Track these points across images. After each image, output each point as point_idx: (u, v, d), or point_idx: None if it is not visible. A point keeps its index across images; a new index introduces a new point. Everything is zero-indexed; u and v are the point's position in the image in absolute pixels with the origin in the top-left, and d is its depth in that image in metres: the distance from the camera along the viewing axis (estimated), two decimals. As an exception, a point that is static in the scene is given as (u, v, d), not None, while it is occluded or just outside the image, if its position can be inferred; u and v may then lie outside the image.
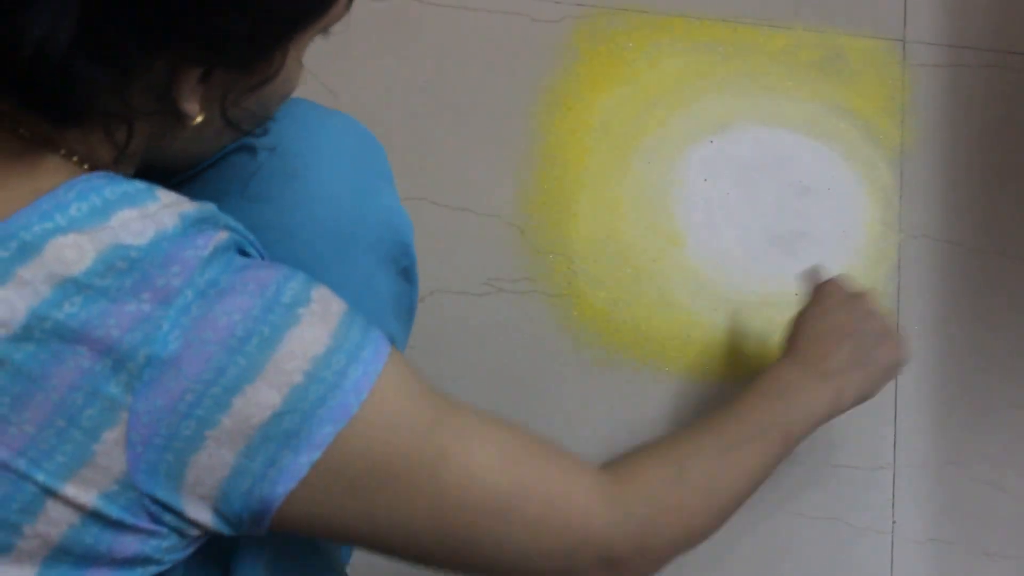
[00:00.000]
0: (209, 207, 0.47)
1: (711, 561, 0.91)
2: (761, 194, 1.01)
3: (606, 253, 0.99)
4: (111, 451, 0.42)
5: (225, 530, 0.46)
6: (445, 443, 0.48)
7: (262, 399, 0.43)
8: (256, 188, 0.56)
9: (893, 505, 0.92)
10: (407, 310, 0.65)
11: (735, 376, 0.96)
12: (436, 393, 0.50)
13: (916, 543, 0.91)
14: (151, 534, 0.44)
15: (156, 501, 0.43)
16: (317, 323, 0.45)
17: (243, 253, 0.49)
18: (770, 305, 0.98)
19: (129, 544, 0.44)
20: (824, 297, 0.78)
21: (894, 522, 0.92)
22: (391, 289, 0.61)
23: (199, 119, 0.48)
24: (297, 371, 0.44)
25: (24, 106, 0.44)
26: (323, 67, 1.06)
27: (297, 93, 0.60)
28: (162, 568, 0.46)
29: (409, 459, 0.47)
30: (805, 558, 0.91)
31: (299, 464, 0.44)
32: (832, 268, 1.00)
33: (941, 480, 0.93)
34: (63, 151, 0.45)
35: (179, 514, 0.44)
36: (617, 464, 0.57)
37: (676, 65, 1.05)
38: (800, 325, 0.76)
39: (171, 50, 0.44)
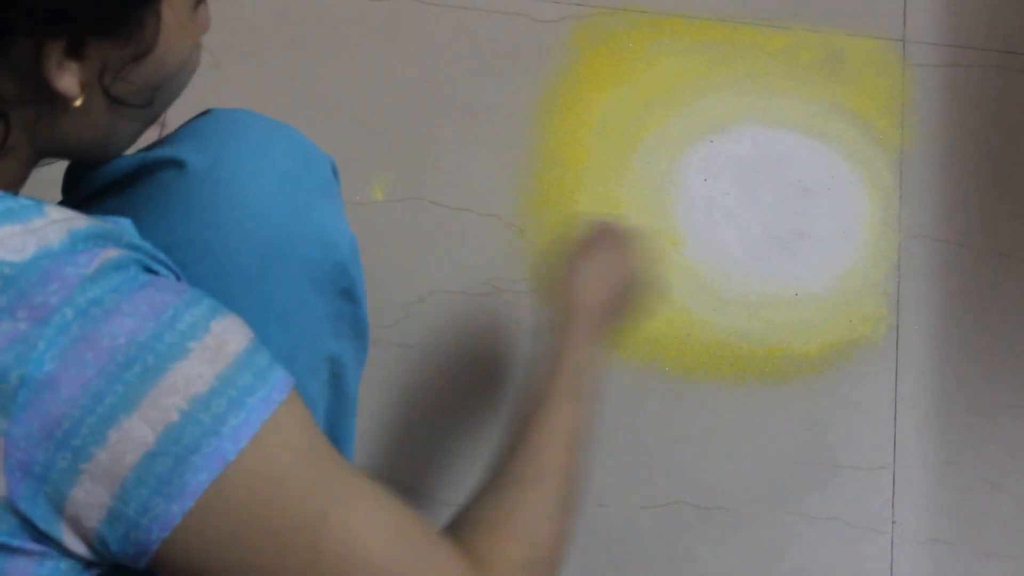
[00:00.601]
0: (108, 224, 0.45)
1: (711, 561, 0.91)
2: (761, 194, 1.01)
3: (606, 253, 0.99)
4: None
5: (102, 563, 0.44)
6: (327, 506, 0.45)
7: (137, 435, 0.41)
8: (181, 204, 0.54)
9: (893, 505, 0.92)
10: (352, 329, 0.62)
11: (735, 376, 0.96)
12: (330, 452, 0.48)
13: (916, 543, 0.91)
14: (43, 555, 0.43)
15: (36, 528, 0.42)
16: (206, 360, 0.43)
17: (150, 271, 0.46)
18: (770, 305, 0.98)
19: (23, 567, 0.42)
20: (593, 245, 0.73)
21: (894, 522, 0.92)
22: (327, 310, 0.59)
23: (79, 100, 0.46)
24: (174, 409, 0.42)
25: None
26: (323, 66, 1.06)
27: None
28: None
29: (287, 516, 0.44)
30: (805, 558, 0.91)
31: (171, 513, 0.42)
32: (832, 268, 1.00)
33: (941, 480, 0.93)
34: None
35: (59, 543, 0.42)
36: (470, 543, 0.54)
37: (676, 65, 1.05)
38: (580, 274, 0.71)
39: (19, 26, 0.42)
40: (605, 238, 0.74)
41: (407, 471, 0.93)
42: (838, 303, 0.98)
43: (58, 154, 0.51)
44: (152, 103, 0.52)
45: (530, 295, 0.98)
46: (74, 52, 0.44)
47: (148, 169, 0.55)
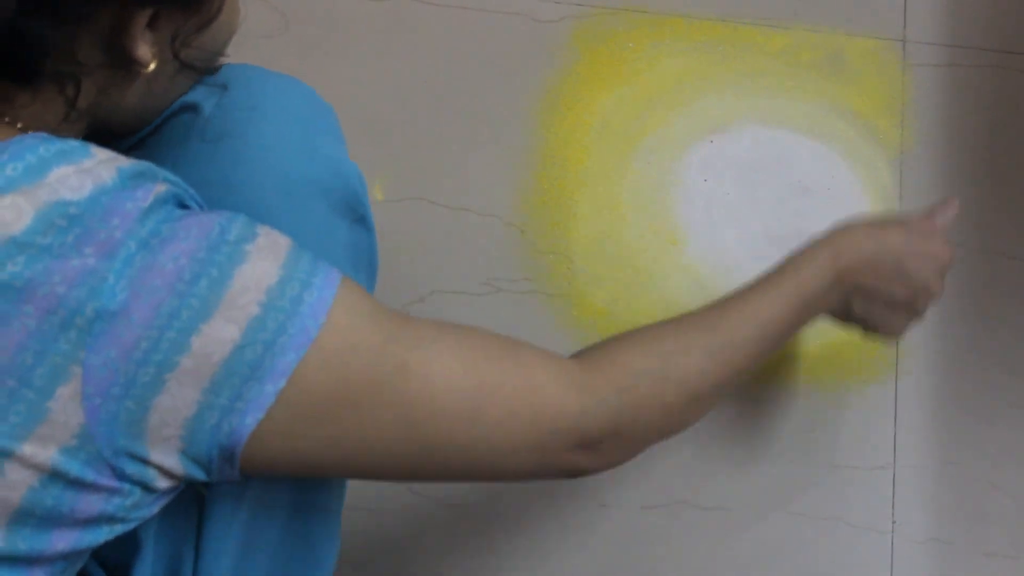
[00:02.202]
0: (146, 163, 0.47)
1: (711, 561, 0.91)
2: (761, 194, 1.01)
3: (606, 253, 0.99)
4: (67, 407, 0.42)
5: (196, 473, 0.46)
6: (404, 356, 0.48)
7: (221, 335, 0.44)
8: (199, 144, 0.56)
9: (893, 505, 0.92)
10: (367, 259, 0.65)
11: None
12: (391, 310, 0.51)
13: (916, 543, 0.91)
14: (113, 491, 0.44)
15: (118, 452, 0.43)
16: (266, 256, 0.46)
17: (183, 206, 0.49)
18: (770, 305, 0.98)
19: (91, 503, 0.44)
20: (927, 248, 0.72)
21: (894, 522, 0.92)
22: (348, 237, 0.61)
23: (152, 66, 0.48)
24: (253, 303, 0.44)
25: None
26: (323, 66, 1.06)
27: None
28: (128, 527, 0.46)
29: (372, 376, 0.47)
30: (805, 558, 0.91)
31: (265, 394, 0.45)
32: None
33: (941, 480, 0.93)
34: (7, 119, 0.46)
35: (144, 461, 0.44)
36: (596, 350, 0.57)
37: (676, 65, 1.05)
38: (886, 238, 0.70)
39: None
40: (919, 222, 0.72)
41: (407, 471, 0.93)
42: (838, 303, 0.98)
43: (113, 124, 0.53)
44: (212, 68, 0.55)
45: (530, 295, 0.98)
46: (151, 23, 0.47)
47: (167, 117, 0.57)
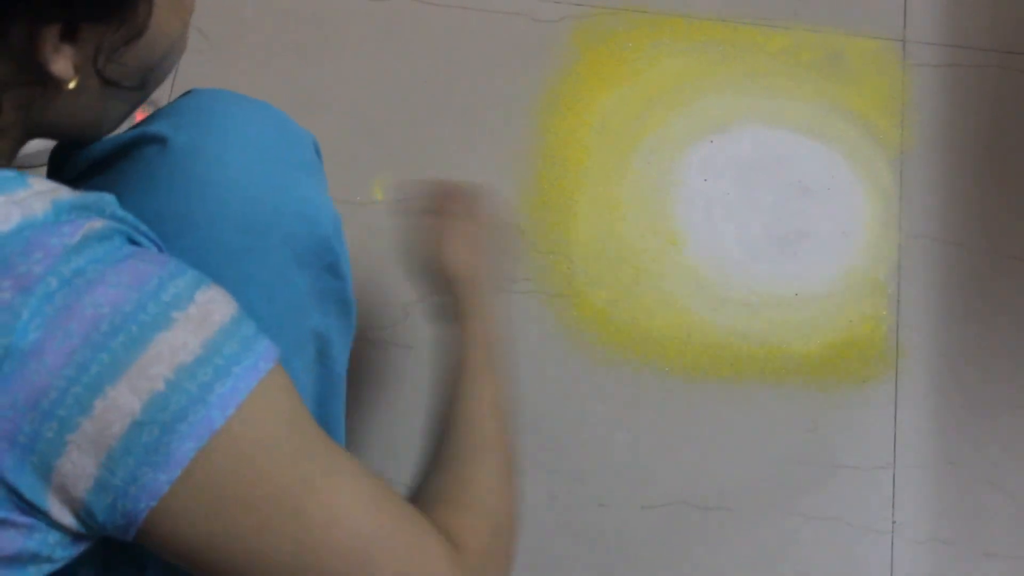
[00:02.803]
0: (93, 196, 0.45)
1: (711, 561, 0.91)
2: (761, 194, 1.01)
3: (606, 253, 0.99)
4: None
5: (89, 534, 0.44)
6: (312, 476, 0.46)
7: (123, 404, 0.41)
8: (164, 179, 0.54)
9: (893, 505, 0.92)
10: (338, 306, 0.62)
11: (735, 376, 0.96)
12: (312, 424, 0.48)
13: (916, 543, 0.91)
14: (31, 528, 0.42)
15: (24, 500, 0.42)
16: (191, 329, 0.43)
17: (133, 243, 0.46)
18: (770, 305, 0.98)
19: (11, 539, 0.42)
20: (453, 216, 0.73)
21: (894, 522, 0.92)
22: (311, 285, 0.59)
23: (73, 83, 0.46)
24: (159, 378, 0.42)
25: None
26: (324, 66, 1.06)
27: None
28: (56, 566, 0.45)
29: (273, 484, 0.44)
30: (805, 558, 0.91)
31: (159, 482, 0.42)
32: (832, 268, 1.00)
33: (941, 480, 0.93)
34: None
35: (46, 514, 0.42)
36: (439, 524, 0.54)
37: (676, 65, 1.05)
38: (452, 249, 0.71)
39: (17, 10, 0.42)
40: (455, 203, 0.73)
41: (407, 471, 0.93)
42: (838, 303, 0.98)
43: (49, 135, 0.51)
44: (144, 84, 0.52)
45: (530, 295, 0.98)
46: (68, 36, 0.45)
47: (131, 146, 0.56)
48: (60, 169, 0.59)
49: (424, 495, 0.57)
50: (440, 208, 0.73)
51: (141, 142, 0.56)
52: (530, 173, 1.01)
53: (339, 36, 1.07)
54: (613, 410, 0.95)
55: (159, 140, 0.55)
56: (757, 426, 0.94)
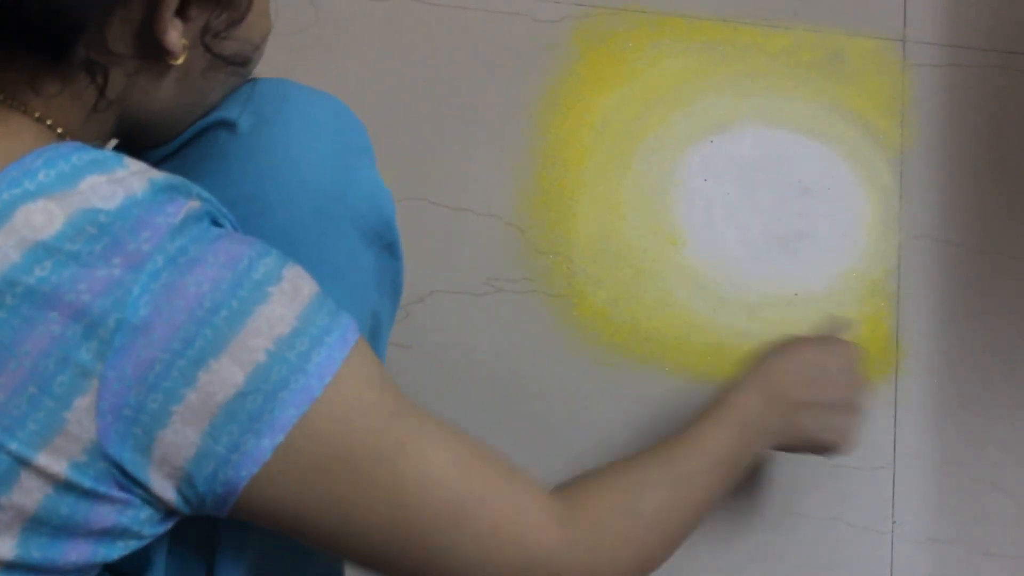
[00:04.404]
0: (179, 178, 0.47)
1: (711, 561, 0.91)
2: (761, 194, 1.01)
3: (606, 253, 0.99)
4: (82, 419, 0.41)
5: (184, 509, 0.46)
6: (405, 437, 0.48)
7: (226, 376, 0.43)
8: (235, 163, 0.56)
9: (893, 505, 0.92)
10: (391, 285, 0.64)
11: (735, 376, 0.96)
12: (398, 390, 0.50)
13: (916, 543, 0.91)
14: (125, 504, 0.44)
15: (124, 472, 0.43)
16: (285, 303, 0.45)
17: (216, 224, 0.48)
18: (770, 305, 0.98)
19: (105, 515, 0.43)
20: (841, 349, 0.74)
21: (894, 522, 0.92)
22: (374, 264, 0.61)
23: (181, 59, 0.48)
24: (260, 350, 0.44)
25: (3, 46, 0.44)
26: (323, 66, 1.06)
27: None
28: (142, 543, 0.46)
29: (369, 448, 0.47)
30: (805, 558, 0.91)
31: (262, 448, 0.44)
32: (832, 268, 1.00)
33: (941, 480, 0.93)
34: (36, 113, 0.46)
35: (145, 487, 0.44)
36: (571, 488, 0.56)
37: (676, 65, 1.05)
38: (799, 350, 0.73)
39: None
40: (830, 343, 0.74)
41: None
42: (838, 303, 0.98)
43: (137, 123, 0.52)
44: (245, 64, 0.55)
45: (530, 295, 0.98)
46: (180, 12, 0.47)
47: (200, 133, 0.57)
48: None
49: (589, 472, 0.58)
50: (812, 338, 0.75)
51: (210, 128, 0.57)
52: (530, 173, 1.01)
53: (339, 36, 1.07)
54: (613, 410, 0.95)
55: (228, 125, 0.56)
56: (757, 426, 0.94)
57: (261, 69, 0.62)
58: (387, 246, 0.61)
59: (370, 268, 0.60)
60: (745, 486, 0.93)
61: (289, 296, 0.45)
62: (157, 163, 0.57)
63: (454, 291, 0.97)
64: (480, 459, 0.51)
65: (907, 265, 0.99)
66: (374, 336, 0.64)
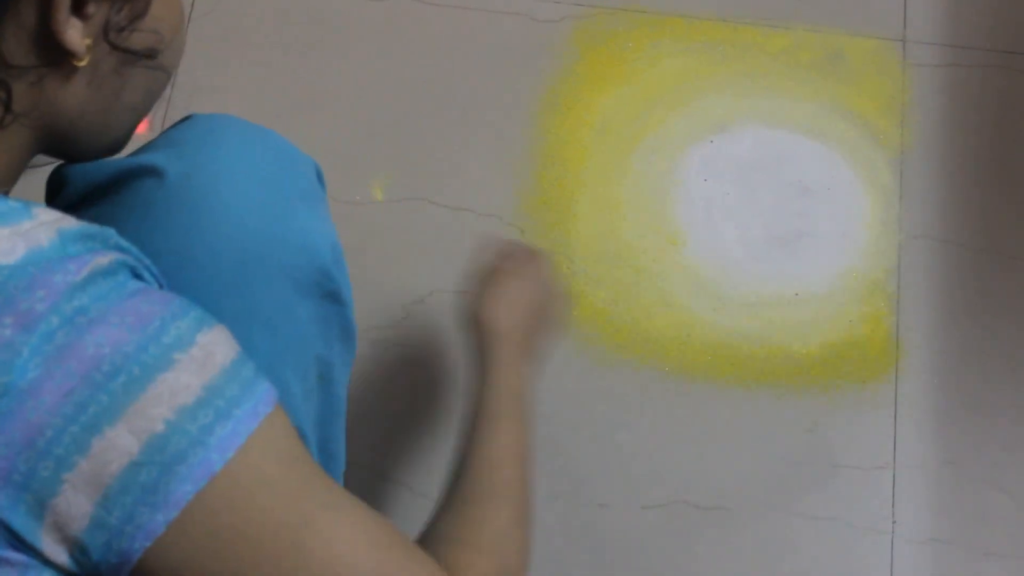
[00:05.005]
0: (97, 227, 0.45)
1: (711, 561, 0.91)
2: (761, 194, 1.01)
3: (606, 253, 0.99)
4: None
5: (84, 573, 0.44)
6: (312, 513, 0.46)
7: (121, 444, 0.41)
8: (161, 213, 0.54)
9: (893, 505, 0.92)
10: (341, 331, 0.63)
11: (735, 376, 0.96)
12: (312, 463, 0.48)
13: (916, 543, 0.91)
14: (25, 566, 0.42)
15: (16, 536, 0.41)
16: (193, 370, 0.43)
17: (137, 277, 0.46)
18: (770, 305, 0.98)
19: None
20: (500, 271, 0.75)
21: (894, 522, 0.92)
22: (314, 313, 0.59)
23: (86, 59, 0.46)
24: (159, 419, 0.41)
25: None
26: (323, 66, 1.06)
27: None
28: None
29: (272, 524, 0.44)
30: (805, 558, 0.91)
31: (156, 522, 0.42)
32: (832, 268, 1.00)
33: (941, 480, 0.93)
34: None
35: (39, 552, 0.42)
36: (444, 558, 0.55)
37: (676, 65, 1.05)
38: (492, 303, 0.72)
39: None
40: (510, 262, 0.75)
41: (407, 471, 0.93)
42: (838, 303, 0.98)
43: (55, 135, 0.50)
44: (156, 56, 0.52)
45: (530, 295, 0.98)
46: (76, 10, 0.45)
47: (127, 176, 0.55)
48: (57, 193, 0.59)
49: (434, 533, 0.57)
50: (496, 265, 0.74)
51: (137, 173, 0.55)
52: (530, 173, 1.01)
53: (339, 36, 1.07)
54: (613, 410, 0.95)
55: (156, 172, 0.55)
56: (757, 426, 0.94)
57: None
58: (328, 294, 0.60)
59: (308, 318, 0.58)
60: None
61: (199, 363, 0.43)
62: (86, 197, 0.56)
63: (454, 291, 0.97)
64: (388, 537, 0.49)
65: (907, 265, 0.99)
66: (324, 380, 0.62)
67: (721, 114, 1.04)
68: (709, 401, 0.95)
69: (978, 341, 0.97)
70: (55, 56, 0.45)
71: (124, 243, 0.46)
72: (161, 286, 0.49)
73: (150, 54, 0.50)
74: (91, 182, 0.56)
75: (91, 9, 0.45)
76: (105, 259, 0.43)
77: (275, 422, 0.46)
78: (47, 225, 0.43)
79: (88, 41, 0.46)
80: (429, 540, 0.55)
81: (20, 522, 0.41)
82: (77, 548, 0.42)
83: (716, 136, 1.03)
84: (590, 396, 0.95)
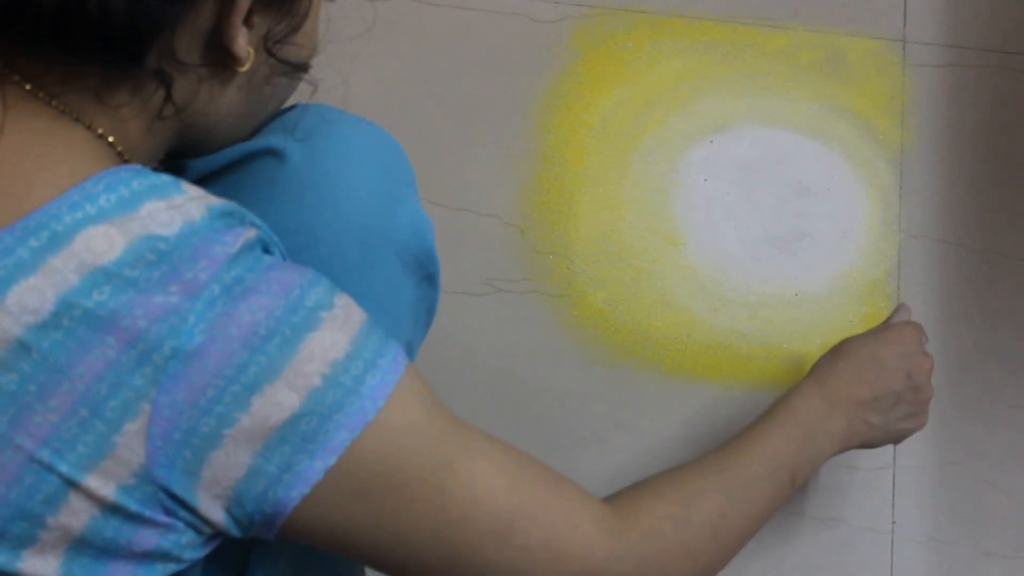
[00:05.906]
0: (234, 204, 0.47)
1: (711, 561, 0.91)
2: (761, 194, 1.01)
3: (606, 253, 0.99)
4: (131, 443, 0.42)
5: (234, 531, 0.46)
6: (452, 456, 0.49)
7: (281, 399, 0.44)
8: (283, 192, 0.56)
9: (893, 505, 0.92)
10: (426, 314, 0.65)
11: (735, 376, 0.96)
12: (446, 409, 0.51)
13: (916, 543, 0.91)
14: (168, 528, 0.44)
15: (172, 496, 0.43)
16: (338, 328, 0.46)
17: (267, 252, 0.49)
18: (770, 305, 0.98)
19: (147, 538, 0.44)
20: (893, 336, 0.75)
21: (894, 522, 0.92)
22: (414, 294, 0.61)
23: (248, 65, 0.49)
24: (316, 374, 0.44)
25: (80, 56, 0.44)
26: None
27: (303, 95, 0.60)
28: (181, 567, 0.46)
29: (418, 468, 0.47)
30: (805, 558, 0.91)
31: (314, 469, 0.45)
32: (832, 268, 1.00)
33: (941, 480, 0.93)
34: (99, 129, 0.46)
35: (193, 510, 0.44)
36: (622, 497, 0.57)
37: (676, 65, 1.05)
38: (852, 348, 0.73)
39: None
40: (880, 332, 0.75)
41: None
42: (838, 303, 0.98)
43: (195, 132, 0.53)
44: (307, 66, 0.56)
45: (530, 295, 0.98)
46: (246, 20, 0.47)
47: (248, 158, 0.57)
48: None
49: (642, 481, 0.59)
50: (895, 323, 0.75)
51: (257, 155, 0.57)
52: (530, 173, 1.01)
53: (339, 36, 1.07)
54: (613, 410, 0.95)
55: (276, 153, 0.57)
56: (757, 426, 0.94)
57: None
58: (427, 276, 0.62)
59: (408, 298, 0.61)
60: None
61: (341, 322, 0.46)
62: (202, 181, 0.58)
63: (454, 291, 0.97)
64: (529, 473, 0.51)
65: (907, 265, 0.99)
66: None
67: (721, 114, 1.04)
68: (709, 401, 0.95)
69: (978, 341, 0.97)
70: (220, 59, 0.48)
71: (257, 219, 0.49)
72: (285, 259, 0.51)
73: (303, 66, 0.55)
74: (211, 166, 0.58)
75: (257, 19, 0.48)
76: (251, 233, 0.46)
77: (412, 372, 0.49)
78: (196, 200, 0.45)
79: (251, 49, 0.49)
80: (640, 483, 0.58)
81: (178, 480, 0.43)
82: (234, 500, 0.45)
83: (716, 136, 1.03)
84: (590, 396, 0.95)
